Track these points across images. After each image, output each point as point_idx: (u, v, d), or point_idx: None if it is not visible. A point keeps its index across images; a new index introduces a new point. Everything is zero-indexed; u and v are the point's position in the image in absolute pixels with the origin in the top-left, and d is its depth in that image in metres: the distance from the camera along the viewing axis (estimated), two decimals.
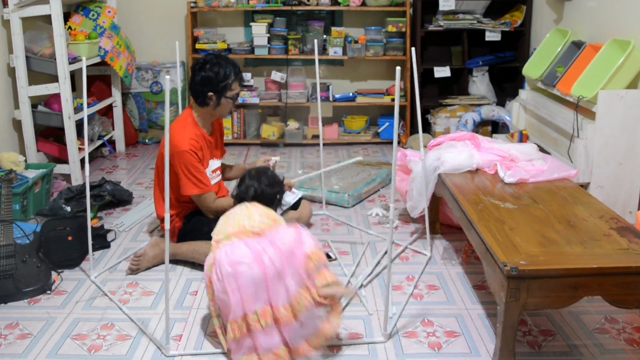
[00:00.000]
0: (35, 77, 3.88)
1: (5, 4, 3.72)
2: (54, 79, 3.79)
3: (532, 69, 3.94)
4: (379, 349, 2.18)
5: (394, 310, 2.43)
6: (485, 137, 3.12)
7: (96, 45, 4.23)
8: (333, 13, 5.02)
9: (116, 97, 4.71)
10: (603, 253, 2.00)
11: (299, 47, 4.90)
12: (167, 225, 2.10)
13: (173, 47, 3.52)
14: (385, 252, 2.96)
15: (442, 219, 3.22)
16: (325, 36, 4.88)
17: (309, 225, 3.24)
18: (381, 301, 2.51)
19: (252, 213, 2.19)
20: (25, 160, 3.76)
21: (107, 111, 4.76)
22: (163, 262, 2.82)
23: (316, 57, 3.36)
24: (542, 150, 3.26)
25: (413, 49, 2.85)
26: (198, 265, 2.78)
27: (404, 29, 4.77)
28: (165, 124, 2.10)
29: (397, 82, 2.06)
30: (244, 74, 4.77)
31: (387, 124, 5.02)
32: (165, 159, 2.06)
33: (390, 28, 4.76)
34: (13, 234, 2.67)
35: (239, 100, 4.85)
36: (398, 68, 2.07)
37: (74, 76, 4.64)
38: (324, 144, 4.91)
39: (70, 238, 2.79)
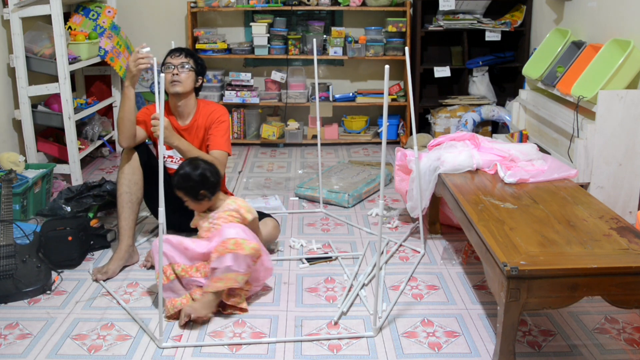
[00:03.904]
0: (35, 77, 3.87)
1: (5, 4, 3.72)
2: (54, 79, 3.79)
3: (532, 69, 3.94)
4: (379, 349, 2.18)
5: (384, 307, 2.45)
6: (485, 137, 3.12)
7: (96, 45, 4.23)
8: (333, 13, 5.02)
9: (116, 97, 4.71)
10: (603, 253, 2.00)
11: (299, 47, 4.90)
12: (161, 219, 2.12)
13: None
14: (382, 252, 2.96)
15: (442, 219, 3.22)
16: (325, 36, 4.88)
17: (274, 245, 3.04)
18: (381, 301, 2.51)
19: None
20: (25, 160, 3.76)
21: (107, 111, 4.77)
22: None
23: (315, 57, 3.36)
24: (542, 150, 3.26)
25: (407, 48, 2.86)
26: None
27: (404, 29, 4.77)
28: (160, 123, 2.10)
29: (386, 81, 2.06)
30: (243, 74, 4.85)
31: (387, 123, 5.02)
32: (159, 157, 2.12)
33: (391, 28, 4.76)
34: (13, 234, 2.67)
35: (240, 100, 4.87)
36: (387, 66, 2.05)
37: (74, 76, 4.64)
38: (324, 144, 4.94)
39: (70, 238, 2.79)
